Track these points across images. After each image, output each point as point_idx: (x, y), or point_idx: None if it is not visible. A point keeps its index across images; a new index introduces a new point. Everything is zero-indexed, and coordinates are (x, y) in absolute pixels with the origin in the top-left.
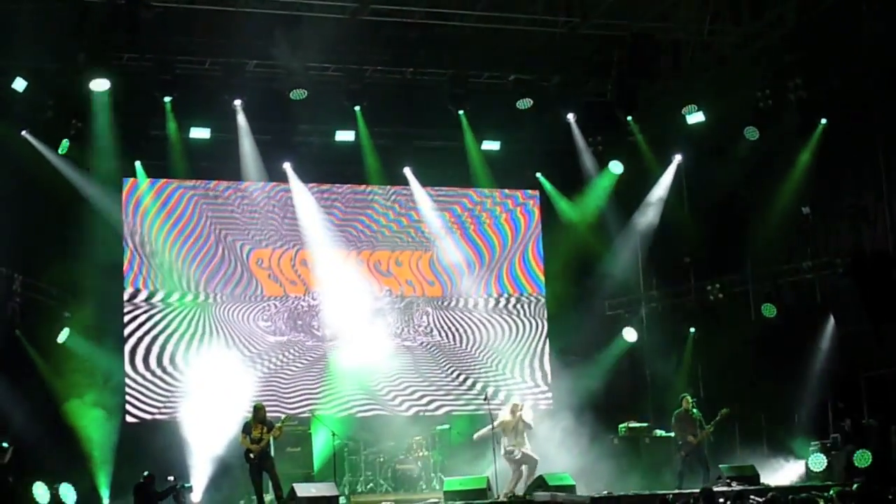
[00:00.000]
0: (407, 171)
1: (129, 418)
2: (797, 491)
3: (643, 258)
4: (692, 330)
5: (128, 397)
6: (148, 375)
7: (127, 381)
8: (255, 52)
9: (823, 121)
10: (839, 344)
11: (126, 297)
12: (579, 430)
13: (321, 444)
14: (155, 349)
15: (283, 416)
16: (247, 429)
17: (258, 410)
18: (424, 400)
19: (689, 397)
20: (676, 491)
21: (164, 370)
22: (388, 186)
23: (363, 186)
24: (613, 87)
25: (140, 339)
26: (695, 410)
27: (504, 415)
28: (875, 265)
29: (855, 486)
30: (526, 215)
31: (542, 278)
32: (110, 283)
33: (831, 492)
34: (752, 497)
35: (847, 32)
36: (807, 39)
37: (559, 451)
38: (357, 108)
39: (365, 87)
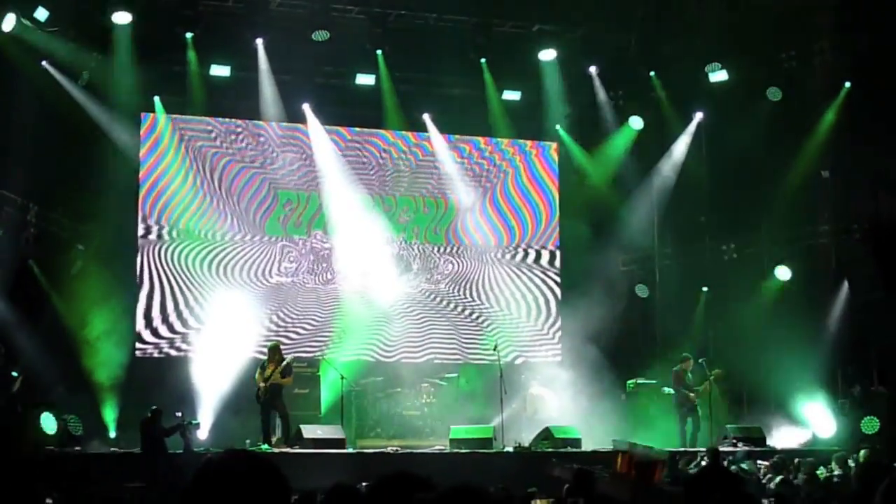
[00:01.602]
0: (426, 118)
1: (138, 353)
2: (803, 455)
3: (659, 215)
4: (705, 289)
5: (138, 331)
6: (159, 310)
7: (138, 315)
8: None
9: (847, 85)
10: (852, 310)
11: (140, 231)
12: (588, 385)
13: (329, 388)
14: (167, 285)
15: (288, 358)
16: (262, 367)
17: (273, 350)
18: (435, 347)
19: (690, 359)
20: (682, 449)
21: (175, 308)
22: (407, 132)
23: (383, 131)
24: (637, 42)
25: (152, 274)
26: (689, 374)
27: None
28: (892, 232)
29: (861, 452)
30: (544, 167)
31: (557, 230)
32: (125, 217)
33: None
34: (758, 461)
35: None
36: (834, 2)
37: (567, 405)
38: (379, 51)
39: (387, 31)
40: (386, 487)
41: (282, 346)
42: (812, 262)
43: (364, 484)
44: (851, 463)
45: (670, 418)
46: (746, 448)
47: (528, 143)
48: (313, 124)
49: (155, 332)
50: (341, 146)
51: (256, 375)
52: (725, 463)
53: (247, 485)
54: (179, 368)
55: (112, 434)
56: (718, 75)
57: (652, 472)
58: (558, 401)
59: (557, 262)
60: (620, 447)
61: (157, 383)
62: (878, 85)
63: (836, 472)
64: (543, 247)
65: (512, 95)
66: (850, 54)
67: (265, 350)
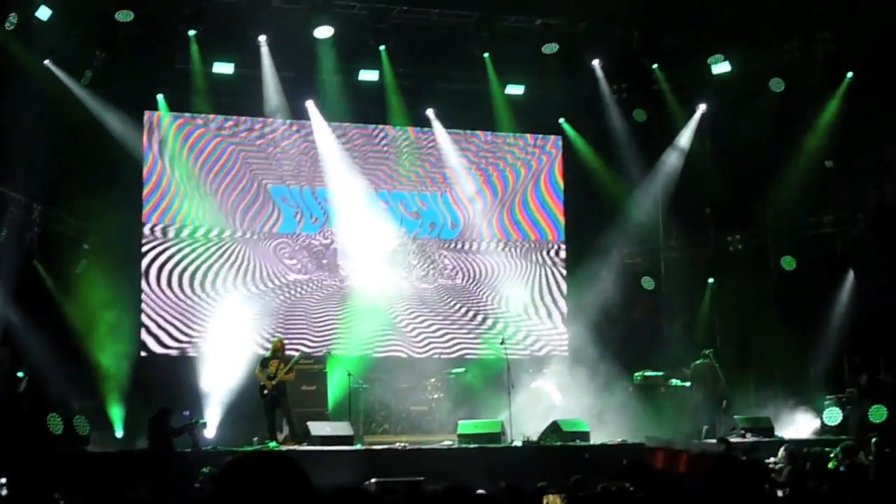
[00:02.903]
0: (430, 113)
1: (143, 352)
2: (811, 444)
3: (664, 207)
4: (710, 280)
5: (144, 331)
6: (165, 308)
7: (143, 314)
8: None
9: (850, 75)
10: (858, 299)
11: (145, 230)
12: (595, 377)
13: (336, 384)
14: (173, 284)
15: (296, 353)
16: (264, 363)
17: (277, 346)
18: (443, 339)
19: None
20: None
21: (181, 304)
22: (411, 128)
23: (385, 127)
24: (639, 35)
25: (158, 272)
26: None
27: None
28: None
29: (872, 441)
30: (548, 161)
31: (563, 224)
32: (129, 215)
33: (838, 448)
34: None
35: None
36: None
37: (574, 397)
38: (382, 47)
39: (391, 26)
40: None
41: (288, 342)
42: (817, 251)
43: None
44: (863, 454)
45: (677, 410)
46: (754, 439)
47: (533, 137)
48: (317, 120)
49: (161, 331)
50: (346, 142)
51: (257, 371)
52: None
53: (273, 485)
54: (185, 367)
55: (119, 433)
56: (721, 67)
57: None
58: (560, 393)
59: (563, 255)
60: (680, 446)
61: (164, 382)
62: (880, 74)
63: (844, 462)
64: (550, 240)
65: (515, 90)
66: (852, 44)
67: (269, 347)
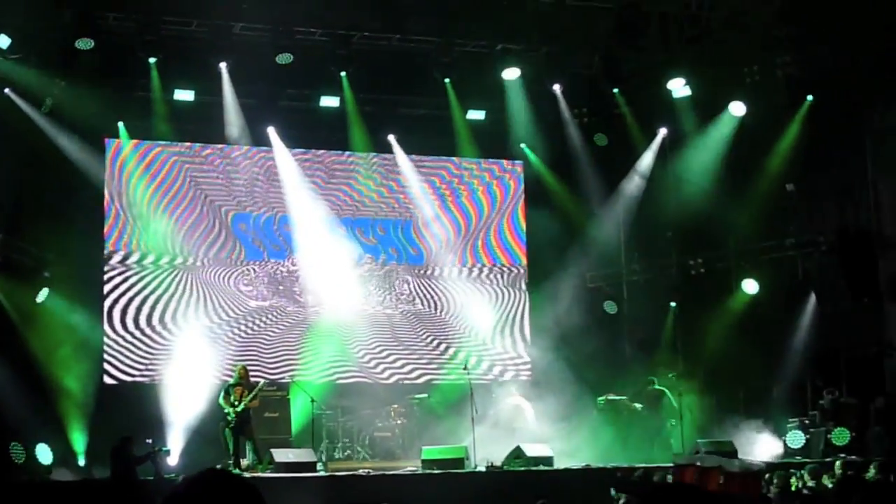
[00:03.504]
0: (391, 139)
1: (106, 379)
2: (774, 467)
3: (626, 231)
4: (673, 304)
5: (106, 358)
6: (127, 337)
7: (105, 342)
8: (241, 14)
9: (810, 98)
10: (820, 322)
11: (106, 257)
12: (558, 402)
13: (299, 410)
14: (133, 311)
15: (260, 381)
16: (227, 391)
17: (241, 373)
18: (404, 368)
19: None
20: (655, 465)
21: (142, 332)
22: (372, 153)
23: (347, 153)
24: (600, 59)
25: (119, 300)
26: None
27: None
28: (858, 244)
29: (836, 463)
30: (510, 185)
31: (524, 249)
32: (91, 243)
33: (804, 470)
34: None
35: (836, 9)
36: (796, 15)
37: (537, 422)
38: (343, 73)
39: (351, 52)
40: None
41: (250, 370)
42: (779, 274)
43: None
44: (826, 477)
45: (640, 434)
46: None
47: (494, 162)
48: (278, 147)
49: (123, 358)
50: (307, 168)
51: (221, 399)
52: None
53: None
54: (149, 395)
55: (81, 462)
56: (681, 91)
57: (754, 484)
58: (534, 412)
59: (525, 280)
60: (711, 464)
61: (126, 410)
62: (840, 97)
63: (808, 484)
64: (511, 265)
65: (477, 115)
66: (812, 67)
67: (232, 374)
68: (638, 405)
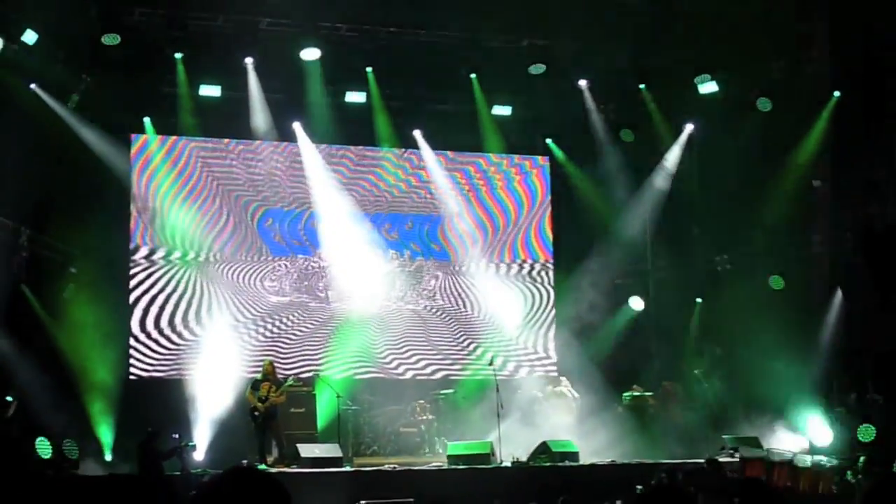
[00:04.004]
0: (417, 134)
1: (133, 375)
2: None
3: (652, 228)
4: (699, 300)
5: (132, 353)
6: (152, 333)
7: (131, 337)
8: (267, 9)
9: (837, 94)
10: (846, 319)
11: (132, 253)
12: (584, 398)
13: (325, 406)
14: (158, 306)
15: (289, 378)
16: (255, 386)
17: (267, 369)
18: (429, 364)
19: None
20: (681, 460)
21: (169, 327)
22: (399, 149)
23: (373, 148)
24: (627, 55)
25: (144, 296)
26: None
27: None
28: (886, 241)
29: (860, 459)
30: (536, 182)
31: (550, 245)
32: (117, 239)
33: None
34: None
35: (864, 5)
36: (823, 11)
37: (564, 417)
38: (369, 69)
39: (378, 48)
40: None
41: (277, 364)
42: (806, 271)
43: None
44: (850, 474)
45: (666, 429)
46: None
47: (520, 157)
48: (304, 142)
49: (149, 353)
50: (332, 163)
51: (248, 394)
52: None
53: (251, 501)
54: (174, 390)
55: (108, 457)
56: (708, 87)
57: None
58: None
59: (551, 276)
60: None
61: (153, 405)
62: (867, 93)
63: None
64: (537, 260)
65: (503, 110)
66: (839, 63)
67: (259, 368)
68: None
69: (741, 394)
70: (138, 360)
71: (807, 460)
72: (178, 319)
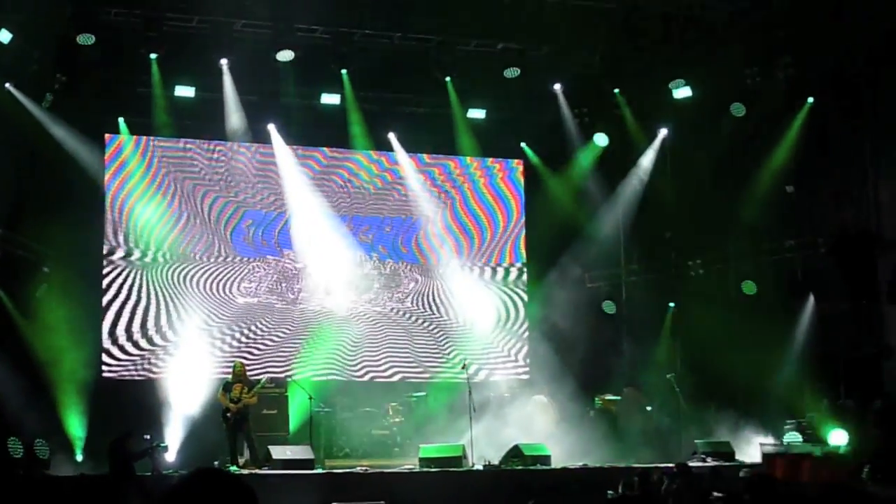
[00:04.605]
0: (391, 137)
1: (105, 375)
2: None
3: (625, 231)
4: (671, 305)
5: (104, 355)
6: (125, 334)
7: (104, 337)
8: (242, 11)
9: (810, 100)
10: (819, 323)
11: (105, 253)
12: (555, 402)
13: (297, 407)
14: (132, 307)
15: (262, 378)
16: (227, 387)
17: (238, 370)
18: (403, 365)
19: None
20: (653, 465)
21: (141, 328)
22: (373, 151)
23: (347, 150)
24: (601, 59)
25: (117, 297)
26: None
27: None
28: (857, 245)
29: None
30: (510, 185)
31: (523, 248)
32: (90, 239)
33: None
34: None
35: (837, 12)
36: (797, 17)
37: (535, 422)
38: (344, 71)
39: (352, 50)
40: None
41: (249, 366)
42: (778, 276)
43: None
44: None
45: (637, 433)
46: (714, 463)
47: (494, 160)
48: (279, 144)
49: (121, 353)
50: (307, 165)
51: (220, 395)
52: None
53: (217, 502)
54: (146, 390)
55: (79, 457)
56: (682, 92)
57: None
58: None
59: (524, 279)
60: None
61: (124, 405)
62: (840, 99)
63: None
64: (510, 264)
65: (477, 114)
66: (813, 69)
67: (230, 370)
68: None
69: (713, 399)
70: (110, 360)
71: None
72: (150, 321)
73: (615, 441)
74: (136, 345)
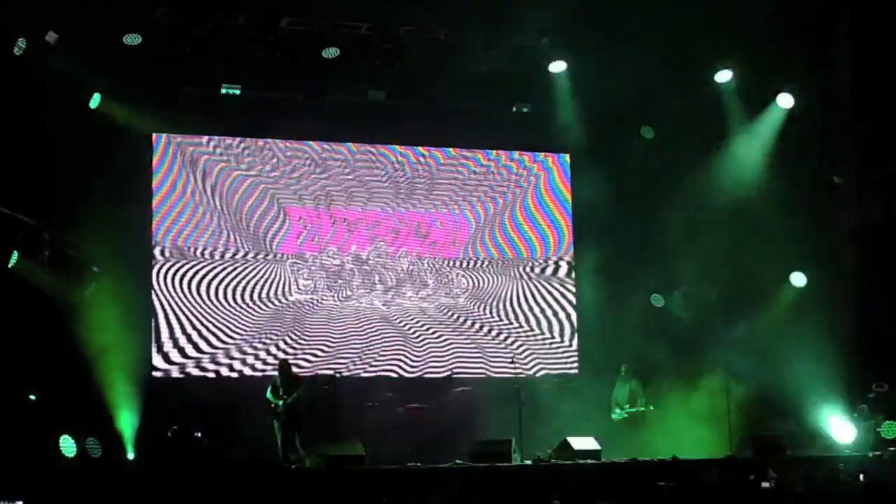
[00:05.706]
0: (438, 132)
1: (155, 374)
2: (823, 461)
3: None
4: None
5: (155, 352)
6: (175, 331)
7: (154, 336)
8: (288, 8)
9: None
10: (868, 313)
11: (155, 252)
12: (607, 396)
13: (347, 404)
14: (182, 306)
15: (315, 376)
16: (276, 385)
17: (285, 368)
18: (454, 362)
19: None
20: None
21: (191, 326)
22: (419, 147)
23: (395, 145)
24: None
25: (168, 295)
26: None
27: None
28: None
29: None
30: (559, 178)
31: (572, 242)
32: (140, 237)
33: None
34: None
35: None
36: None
37: (586, 415)
38: (389, 67)
39: (397, 46)
40: None
41: (301, 365)
42: (827, 266)
43: None
44: None
45: (689, 427)
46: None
47: (543, 154)
48: (325, 141)
49: (171, 353)
50: (354, 162)
51: (269, 393)
52: None
53: None
54: (196, 389)
55: (130, 454)
56: (728, 82)
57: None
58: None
59: (574, 274)
60: None
61: (175, 404)
62: (888, 88)
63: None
64: (560, 258)
65: (524, 108)
66: (860, 58)
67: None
68: (651, 406)
69: (763, 391)
70: (160, 358)
71: None
72: (199, 318)
73: (667, 434)
74: (185, 345)
